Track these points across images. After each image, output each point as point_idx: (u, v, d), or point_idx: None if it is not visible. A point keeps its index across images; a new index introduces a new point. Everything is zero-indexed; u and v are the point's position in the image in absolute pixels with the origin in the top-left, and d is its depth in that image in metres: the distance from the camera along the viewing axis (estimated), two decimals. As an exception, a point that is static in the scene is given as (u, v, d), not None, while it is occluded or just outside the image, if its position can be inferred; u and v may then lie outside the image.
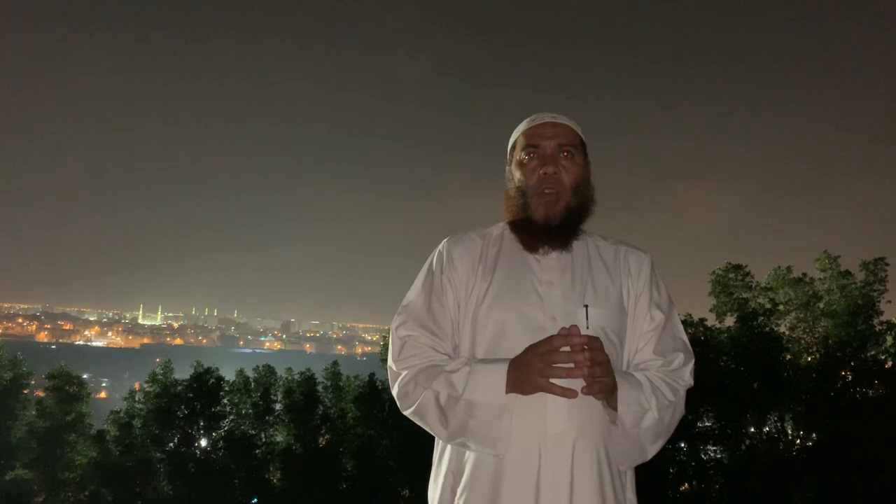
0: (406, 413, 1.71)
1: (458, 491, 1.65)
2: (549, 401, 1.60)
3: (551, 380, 1.54)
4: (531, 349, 1.58)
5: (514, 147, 1.83)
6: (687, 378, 1.73)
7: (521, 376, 1.57)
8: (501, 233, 1.84)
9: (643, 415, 1.62)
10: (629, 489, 1.70)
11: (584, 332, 1.65)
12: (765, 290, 22.25)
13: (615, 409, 1.61)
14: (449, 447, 1.72)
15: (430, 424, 1.67)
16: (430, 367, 1.67)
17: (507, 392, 1.58)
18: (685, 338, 1.80)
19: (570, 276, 1.73)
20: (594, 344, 1.54)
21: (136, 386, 24.95)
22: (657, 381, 1.68)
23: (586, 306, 1.69)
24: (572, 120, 1.81)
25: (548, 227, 1.72)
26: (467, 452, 1.67)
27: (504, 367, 1.60)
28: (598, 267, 1.78)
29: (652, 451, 1.67)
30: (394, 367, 1.73)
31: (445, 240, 1.86)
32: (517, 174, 1.78)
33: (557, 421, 1.60)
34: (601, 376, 1.53)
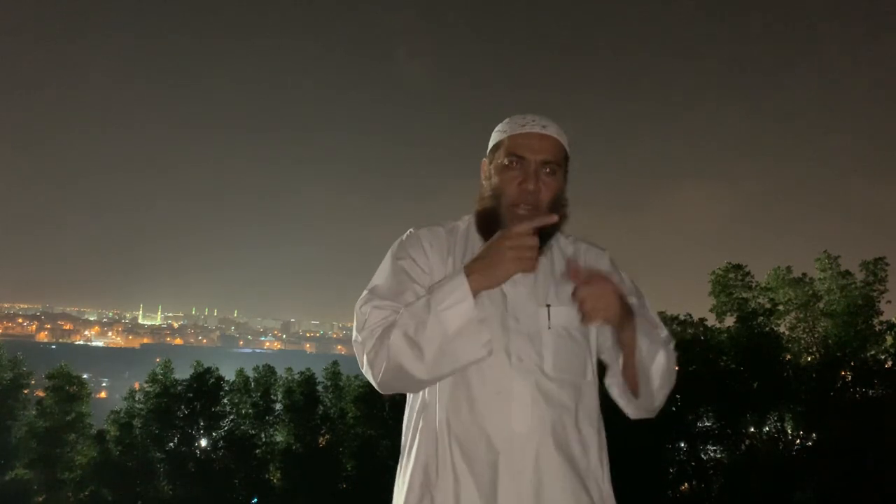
0: (381, 379, 1.59)
1: (428, 490, 1.63)
2: (514, 400, 1.60)
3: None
4: (495, 240, 1.58)
5: (497, 146, 1.78)
6: (674, 353, 1.72)
7: (491, 264, 1.55)
8: (467, 228, 1.82)
9: (657, 351, 1.63)
10: (605, 482, 1.68)
11: (545, 331, 1.66)
12: (765, 290, 22.23)
13: (627, 342, 1.62)
14: (417, 441, 1.68)
15: (407, 368, 1.54)
16: (393, 323, 1.59)
17: (473, 290, 1.55)
18: (660, 323, 1.77)
19: (534, 275, 1.71)
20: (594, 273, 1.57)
21: (136, 386, 24.93)
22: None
23: (548, 306, 1.68)
24: (561, 131, 1.78)
25: None
26: (427, 449, 1.64)
27: (461, 271, 1.58)
28: (561, 265, 1.77)
29: (658, 398, 1.67)
30: (358, 339, 1.63)
31: (412, 228, 1.83)
32: (496, 178, 1.74)
33: (522, 420, 1.59)
34: (599, 300, 1.54)
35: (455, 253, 1.77)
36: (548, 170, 1.72)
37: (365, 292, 1.70)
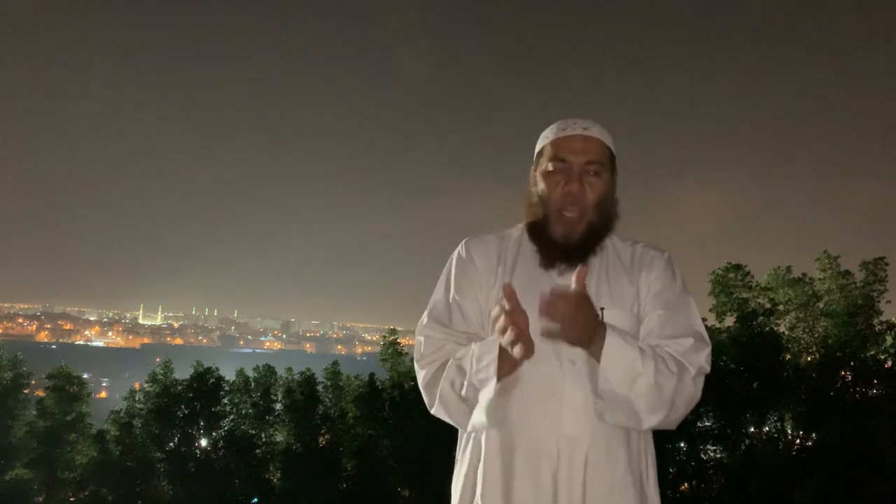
0: (432, 411, 1.73)
1: (478, 491, 1.67)
2: (565, 404, 1.62)
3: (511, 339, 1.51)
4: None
5: (541, 153, 1.81)
6: (701, 361, 1.66)
7: (508, 353, 1.55)
8: (520, 235, 1.84)
9: (634, 378, 1.55)
10: (653, 492, 1.70)
11: None
12: (765, 290, 22.25)
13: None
14: (469, 445, 1.74)
15: (451, 415, 1.68)
16: (446, 360, 1.70)
17: (506, 361, 1.56)
18: (699, 326, 1.75)
19: (588, 278, 1.70)
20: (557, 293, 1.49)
21: (137, 386, 24.99)
22: (664, 353, 1.63)
23: (602, 309, 1.67)
24: (604, 131, 1.79)
25: (566, 247, 1.72)
26: (483, 453, 1.68)
27: (496, 343, 1.59)
28: (616, 268, 1.78)
29: (649, 420, 1.59)
30: (416, 366, 1.77)
31: (464, 241, 1.88)
32: (541, 184, 1.76)
33: (573, 424, 1.61)
34: (561, 319, 1.48)
35: (505, 261, 1.81)
36: (592, 171, 1.73)
37: (424, 314, 1.81)
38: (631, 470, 1.64)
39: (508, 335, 1.49)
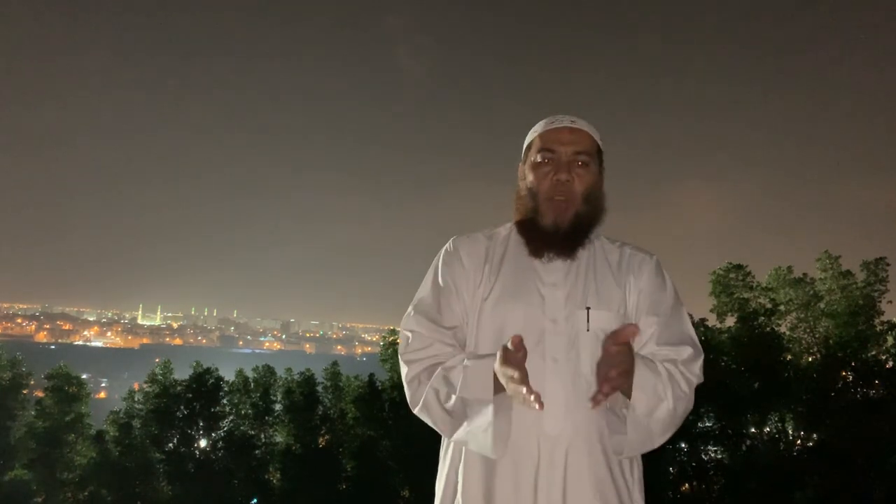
0: (414, 411, 1.71)
1: (459, 490, 1.67)
2: (547, 402, 1.58)
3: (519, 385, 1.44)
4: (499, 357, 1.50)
5: (529, 147, 1.83)
6: (698, 372, 1.69)
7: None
8: (508, 233, 1.85)
9: (658, 404, 1.58)
10: (636, 490, 1.69)
11: (584, 334, 1.66)
12: (765, 291, 22.23)
13: (628, 395, 1.57)
14: (451, 445, 1.73)
15: (434, 422, 1.67)
16: (434, 363, 1.68)
17: (496, 388, 1.55)
18: (693, 334, 1.76)
19: (574, 278, 1.74)
20: (610, 349, 1.46)
21: (136, 386, 24.99)
22: (674, 370, 1.64)
23: (588, 308, 1.69)
24: (591, 126, 1.81)
25: (556, 233, 1.72)
26: (463, 452, 1.67)
27: (492, 364, 1.55)
28: (604, 269, 1.78)
29: (659, 441, 1.63)
30: (401, 361, 1.75)
31: (452, 238, 1.87)
32: (530, 176, 1.77)
33: (554, 423, 1.60)
34: (614, 379, 1.46)
35: (493, 260, 1.81)
36: (580, 162, 1.74)
37: (410, 308, 1.79)
38: (612, 469, 1.63)
39: (519, 396, 1.43)
